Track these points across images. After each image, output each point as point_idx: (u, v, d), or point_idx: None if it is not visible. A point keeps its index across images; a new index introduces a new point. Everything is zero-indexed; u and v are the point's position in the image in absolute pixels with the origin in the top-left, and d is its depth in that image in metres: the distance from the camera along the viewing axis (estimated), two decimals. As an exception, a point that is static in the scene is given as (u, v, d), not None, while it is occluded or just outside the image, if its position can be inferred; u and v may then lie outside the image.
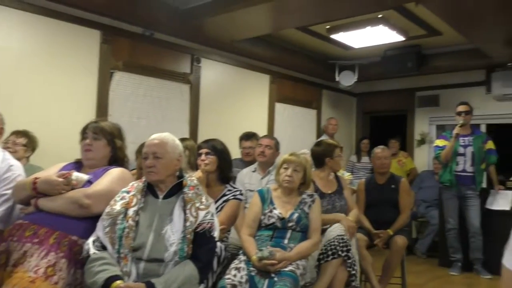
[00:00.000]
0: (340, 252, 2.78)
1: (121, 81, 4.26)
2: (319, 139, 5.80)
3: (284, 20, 4.41)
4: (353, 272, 2.83)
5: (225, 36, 4.67)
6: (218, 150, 2.80)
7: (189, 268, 1.95)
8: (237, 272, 2.43)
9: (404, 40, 5.09)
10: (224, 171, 2.82)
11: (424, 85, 6.41)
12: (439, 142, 4.86)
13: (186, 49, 4.82)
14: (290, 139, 6.01)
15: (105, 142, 2.32)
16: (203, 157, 2.76)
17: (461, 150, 4.72)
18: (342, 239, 2.82)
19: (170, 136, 2.22)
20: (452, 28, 4.43)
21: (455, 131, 4.65)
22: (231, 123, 5.12)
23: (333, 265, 2.77)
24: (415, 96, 6.57)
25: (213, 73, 5.13)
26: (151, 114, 4.47)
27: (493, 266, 4.29)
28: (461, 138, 4.70)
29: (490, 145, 4.76)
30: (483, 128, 5.89)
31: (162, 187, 2.14)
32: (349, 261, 2.80)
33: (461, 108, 4.74)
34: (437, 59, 5.66)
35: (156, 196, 2.13)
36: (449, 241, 4.80)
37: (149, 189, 2.15)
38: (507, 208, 4.54)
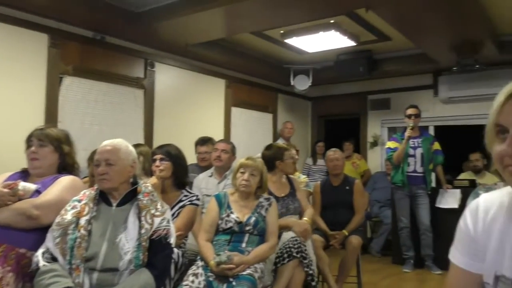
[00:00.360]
0: (295, 254, 2.81)
1: (71, 86, 4.12)
2: (276, 142, 5.87)
3: (238, 24, 4.42)
4: (310, 272, 2.87)
5: (179, 40, 4.63)
6: (173, 155, 2.76)
7: (145, 276, 1.91)
8: (194, 278, 2.41)
9: (355, 45, 5.23)
10: (179, 176, 2.78)
11: (375, 89, 6.62)
12: (391, 144, 5.05)
13: (139, 53, 4.74)
14: (247, 143, 6.02)
15: (52, 149, 2.23)
16: (157, 163, 2.72)
17: (411, 151, 4.90)
18: (296, 240, 2.86)
19: (123, 142, 2.17)
20: (401, 33, 4.60)
21: (407, 134, 4.82)
22: (186, 128, 5.08)
23: (289, 267, 2.80)
24: (367, 99, 6.77)
25: (167, 77, 5.06)
26: (103, 120, 4.36)
27: (443, 262, 4.44)
28: (410, 140, 4.87)
29: (436, 146, 4.99)
30: (431, 130, 6.14)
31: (116, 195, 2.08)
32: (305, 261, 2.84)
33: (410, 111, 4.91)
34: (387, 64, 5.85)
35: (110, 204, 2.07)
36: (402, 239, 4.97)
37: (102, 197, 2.09)
38: (455, 206, 4.74)
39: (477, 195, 1.66)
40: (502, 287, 1.02)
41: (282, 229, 3.03)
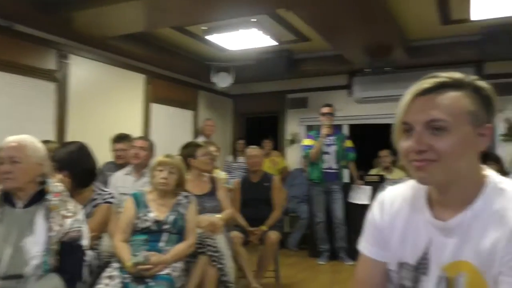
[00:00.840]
0: (203, 250, 2.81)
1: (-28, 77, 3.77)
2: (194, 140, 5.83)
3: (158, 18, 4.31)
4: (221, 266, 2.87)
5: (96, 32, 4.41)
6: (67, 164, 2.47)
7: (54, 282, 1.80)
8: (109, 281, 2.33)
9: (276, 45, 5.34)
10: (80, 181, 2.52)
11: (294, 88, 6.81)
12: (307, 142, 5.24)
13: (51, 43, 4.44)
14: (167, 140, 5.89)
15: None
16: (56, 172, 2.43)
17: (326, 149, 5.12)
18: (201, 237, 2.85)
19: (30, 138, 2.02)
20: (319, 35, 4.77)
21: (323, 132, 5.05)
22: (103, 125, 4.85)
23: (200, 264, 2.78)
24: (286, 98, 6.95)
25: (83, 71, 4.80)
26: (10, 114, 4.03)
27: (355, 253, 4.71)
28: (326, 138, 5.09)
29: (348, 143, 5.25)
30: (345, 128, 6.46)
31: (21, 195, 1.94)
32: (216, 255, 2.84)
33: (325, 109, 5.13)
34: (306, 64, 6.04)
35: (14, 205, 1.92)
36: (318, 233, 5.20)
37: (5, 198, 1.94)
38: (366, 202, 5.01)
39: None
40: (405, 273, 1.11)
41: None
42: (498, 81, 5.71)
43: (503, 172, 3.31)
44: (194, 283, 2.73)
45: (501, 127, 5.68)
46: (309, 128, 6.72)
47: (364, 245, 1.20)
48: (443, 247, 1.03)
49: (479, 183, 1.02)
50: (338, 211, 5.13)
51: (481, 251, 0.97)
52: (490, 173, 1.05)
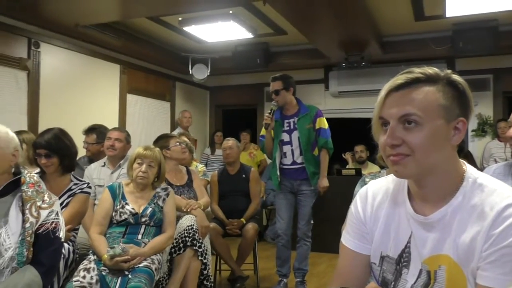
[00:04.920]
0: (190, 243, 2.80)
1: None
2: (172, 132, 5.77)
3: (133, 8, 4.23)
4: (205, 261, 2.89)
5: (68, 20, 4.28)
6: (56, 148, 2.46)
7: (30, 274, 1.75)
8: (86, 273, 2.29)
9: (253, 37, 5.32)
10: (67, 165, 2.51)
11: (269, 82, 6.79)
12: (263, 131, 3.85)
13: (21, 31, 4.29)
14: (143, 131, 5.84)
15: None
16: (43, 160, 2.44)
17: (286, 137, 3.76)
18: (192, 228, 2.85)
19: (2, 128, 1.94)
20: (295, 28, 4.78)
21: (264, 120, 3.74)
22: (78, 115, 4.74)
23: (185, 257, 2.79)
24: (264, 91, 6.95)
25: (55, 59, 4.67)
26: (-22, 104, 3.90)
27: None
28: (285, 121, 3.80)
29: (320, 123, 3.77)
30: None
31: (-6, 186, 1.88)
32: (200, 250, 2.85)
33: (271, 86, 3.91)
34: (282, 57, 6.05)
35: (-13, 196, 1.86)
36: (278, 251, 3.82)
37: (-23, 189, 1.88)
38: None
39: (364, 182, 1.82)
40: (387, 265, 1.13)
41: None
42: (469, 77, 5.81)
43: (475, 168, 3.38)
44: (180, 276, 2.74)
45: (472, 123, 5.84)
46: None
47: (346, 237, 1.21)
48: (423, 241, 1.05)
49: (458, 178, 1.04)
50: (303, 221, 3.73)
51: (460, 245, 0.99)
52: (468, 168, 1.06)
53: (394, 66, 5.54)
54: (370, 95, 5.69)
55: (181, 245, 2.80)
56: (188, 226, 2.86)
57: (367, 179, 1.82)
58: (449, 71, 1.04)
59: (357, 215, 1.20)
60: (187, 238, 2.81)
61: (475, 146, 5.82)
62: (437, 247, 1.02)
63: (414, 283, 1.06)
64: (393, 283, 1.11)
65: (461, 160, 1.08)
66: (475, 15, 4.47)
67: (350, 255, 1.19)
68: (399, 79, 1.03)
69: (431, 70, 1.03)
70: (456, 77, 1.04)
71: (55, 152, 2.45)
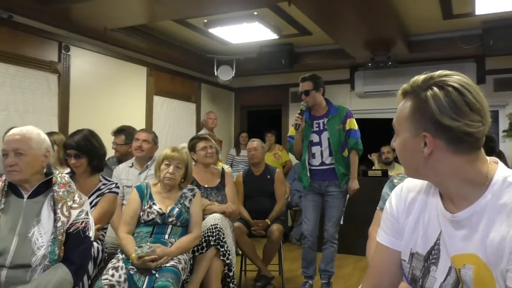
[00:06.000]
0: (213, 242, 2.82)
1: (-26, 68, 3.75)
2: (198, 133, 5.83)
3: (159, 11, 4.29)
4: (228, 261, 2.89)
5: (96, 24, 4.38)
6: (85, 148, 2.51)
7: (61, 272, 1.80)
8: (115, 272, 2.33)
9: (278, 38, 5.32)
10: (96, 165, 2.56)
11: (297, 82, 6.69)
12: (292, 131, 3.88)
13: (52, 35, 4.41)
14: (170, 132, 5.91)
15: None
16: (72, 160, 2.50)
17: (315, 138, 3.75)
18: (216, 227, 2.86)
19: (34, 129, 2.00)
20: (320, 28, 4.76)
21: (294, 121, 3.77)
22: (106, 117, 4.83)
23: (207, 256, 2.80)
24: (289, 91, 6.93)
25: (85, 63, 4.79)
26: (11, 106, 4.01)
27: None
28: (314, 122, 3.79)
29: (350, 124, 3.73)
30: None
31: (27, 186, 1.94)
32: (223, 249, 2.85)
33: (300, 86, 3.89)
34: (307, 57, 6.02)
35: (20, 196, 1.92)
36: (304, 253, 3.83)
37: (12, 188, 1.94)
38: None
39: (393, 183, 1.80)
40: (416, 262, 1.12)
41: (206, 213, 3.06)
42: (499, 77, 5.73)
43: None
44: (201, 275, 2.75)
45: (503, 123, 5.68)
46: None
47: (381, 234, 1.21)
48: (452, 239, 1.04)
49: (480, 178, 1.01)
50: (330, 223, 3.66)
51: (489, 245, 0.97)
52: (500, 166, 1.04)
53: (421, 65, 5.45)
54: (396, 96, 5.59)
55: (204, 244, 2.82)
56: (211, 226, 2.87)
57: (395, 180, 1.79)
58: (432, 80, 1.02)
59: (391, 211, 1.20)
60: (210, 238, 2.83)
61: (506, 146, 5.65)
62: (465, 246, 1.01)
63: (444, 281, 1.05)
64: (421, 280, 1.10)
65: (493, 158, 1.06)
66: (505, 12, 4.35)
67: (384, 252, 1.19)
68: (400, 90, 1.10)
69: (420, 78, 1.05)
70: (433, 87, 1.00)
71: (84, 152, 2.50)
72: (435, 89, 0.99)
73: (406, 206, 1.17)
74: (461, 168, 1.01)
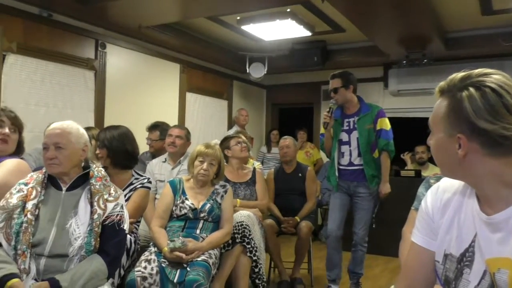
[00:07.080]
0: (239, 239, 2.83)
1: (15, 65, 3.88)
2: (229, 130, 5.88)
3: (193, 8, 4.34)
4: (255, 258, 2.89)
5: (131, 21, 4.47)
6: (106, 141, 2.58)
7: (97, 263, 1.86)
8: (147, 264, 2.38)
9: (310, 35, 5.28)
10: (117, 160, 2.59)
11: (328, 79, 6.71)
12: (323, 129, 3.70)
13: (89, 33, 4.53)
14: (202, 129, 5.98)
15: (17, 132, 2.29)
16: (97, 150, 2.61)
17: (345, 137, 3.62)
18: (242, 225, 2.87)
19: (74, 124, 2.07)
20: (354, 25, 4.69)
21: (323, 119, 3.67)
22: (140, 113, 4.93)
23: (234, 253, 2.81)
24: (321, 89, 6.88)
25: (120, 60, 4.90)
26: (51, 102, 4.15)
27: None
28: (345, 121, 3.65)
29: (382, 124, 3.60)
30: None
31: (66, 179, 2.00)
32: (248, 246, 2.85)
33: (330, 84, 3.83)
34: (340, 55, 5.95)
35: (59, 188, 1.99)
36: (329, 253, 3.84)
37: (51, 181, 2.01)
38: None
39: (429, 184, 1.76)
40: (449, 264, 1.09)
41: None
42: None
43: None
44: (227, 272, 2.77)
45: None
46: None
47: (415, 233, 1.19)
48: (488, 242, 1.01)
49: None
50: (359, 225, 3.56)
51: None
52: None
53: (459, 63, 5.29)
54: (431, 94, 5.44)
55: (230, 241, 2.83)
56: (237, 223, 2.87)
57: (431, 181, 1.75)
58: (470, 80, 0.98)
59: (426, 210, 1.17)
60: (236, 235, 2.84)
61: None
62: (500, 249, 0.98)
63: (478, 284, 1.02)
64: (454, 282, 1.07)
65: None
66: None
67: (419, 252, 1.17)
68: (438, 87, 1.06)
69: (450, 79, 1.02)
70: (469, 87, 0.97)
71: (104, 144, 2.57)
72: (471, 89, 0.96)
73: (441, 205, 1.14)
74: (498, 170, 0.98)
